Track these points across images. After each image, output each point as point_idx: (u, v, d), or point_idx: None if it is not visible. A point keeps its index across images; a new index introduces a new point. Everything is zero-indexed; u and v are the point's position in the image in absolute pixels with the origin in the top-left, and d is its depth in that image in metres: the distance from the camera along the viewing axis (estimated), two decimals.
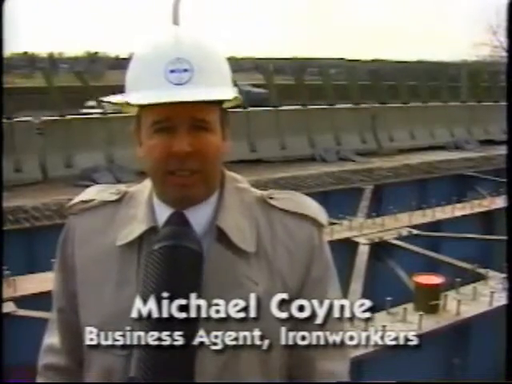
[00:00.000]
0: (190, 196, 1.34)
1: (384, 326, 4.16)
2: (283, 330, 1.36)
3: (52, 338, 1.54)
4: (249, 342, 1.32)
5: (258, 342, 1.33)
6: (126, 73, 1.36)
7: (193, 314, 1.27)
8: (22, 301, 4.63)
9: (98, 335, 1.35)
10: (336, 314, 1.44)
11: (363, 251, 6.02)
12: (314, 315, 1.39)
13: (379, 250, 6.28)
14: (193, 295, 1.27)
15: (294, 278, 1.38)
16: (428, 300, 4.51)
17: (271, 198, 1.44)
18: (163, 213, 1.37)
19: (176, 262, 1.27)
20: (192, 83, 1.28)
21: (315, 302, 1.39)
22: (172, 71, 1.28)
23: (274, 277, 1.36)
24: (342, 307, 1.52)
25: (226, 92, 1.34)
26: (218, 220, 1.36)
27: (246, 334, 1.32)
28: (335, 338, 1.43)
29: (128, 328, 1.29)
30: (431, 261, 6.20)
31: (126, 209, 1.43)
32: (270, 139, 12.23)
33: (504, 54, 32.71)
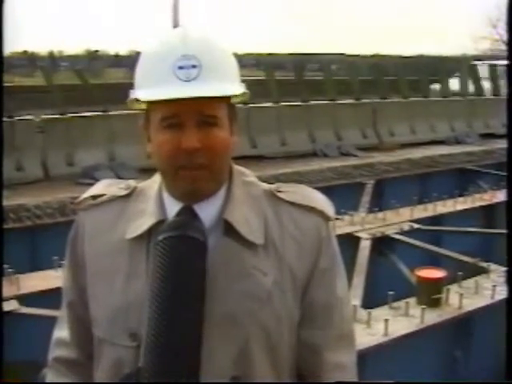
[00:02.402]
0: (199, 190, 1.36)
1: (386, 320, 4.21)
2: (291, 321, 1.38)
3: (62, 332, 1.56)
4: (258, 334, 1.34)
5: (266, 333, 1.35)
6: (135, 69, 1.38)
7: (197, 306, 1.28)
8: (25, 299, 4.64)
9: (107, 327, 1.38)
10: (343, 307, 1.46)
11: (365, 246, 6.03)
12: (321, 308, 1.41)
13: (381, 244, 6.28)
14: (197, 283, 1.29)
15: (302, 269, 1.40)
16: (430, 294, 4.51)
17: (279, 191, 1.46)
18: (172, 207, 1.39)
19: (179, 251, 1.29)
20: (200, 79, 1.29)
21: (322, 296, 1.41)
22: (180, 67, 1.29)
23: (282, 268, 1.38)
24: (349, 301, 1.55)
25: (234, 87, 1.36)
26: (225, 213, 1.38)
27: (255, 325, 1.33)
28: (342, 330, 1.45)
29: (137, 319, 1.30)
30: (433, 255, 6.20)
31: (135, 203, 1.46)
32: (271, 135, 12.23)
33: (503, 47, 32.72)
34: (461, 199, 8.11)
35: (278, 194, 1.45)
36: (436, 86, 17.17)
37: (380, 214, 7.16)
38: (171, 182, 1.38)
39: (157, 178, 1.46)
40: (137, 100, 1.34)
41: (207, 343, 1.29)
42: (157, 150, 1.35)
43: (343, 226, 6.56)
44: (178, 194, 1.38)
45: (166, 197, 1.42)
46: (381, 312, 4.40)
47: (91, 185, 1.58)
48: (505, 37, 33.83)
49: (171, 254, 1.29)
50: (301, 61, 16.73)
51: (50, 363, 1.58)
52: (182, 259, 1.29)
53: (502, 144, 12.17)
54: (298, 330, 1.41)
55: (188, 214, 1.36)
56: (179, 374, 1.25)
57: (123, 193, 1.48)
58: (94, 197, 1.50)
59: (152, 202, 1.43)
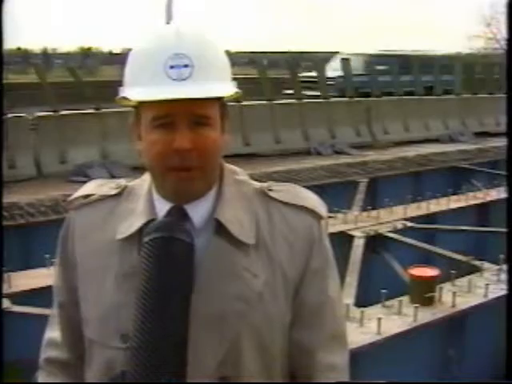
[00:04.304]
0: (189, 191, 1.34)
1: (379, 319, 4.21)
2: (283, 322, 1.37)
3: (53, 332, 1.55)
4: (249, 335, 1.33)
5: (257, 334, 1.34)
6: (125, 67, 1.36)
7: (182, 306, 1.27)
8: (17, 297, 4.62)
9: (98, 328, 1.36)
10: (335, 306, 1.45)
11: (358, 244, 6.03)
12: (313, 309, 1.40)
13: (374, 242, 6.29)
14: (182, 285, 1.28)
15: (294, 269, 1.39)
16: (423, 292, 4.51)
17: (270, 189, 1.45)
18: (162, 206, 1.38)
19: (166, 253, 1.29)
20: (192, 79, 1.28)
21: (314, 296, 1.40)
22: (172, 67, 1.27)
23: (273, 268, 1.37)
24: (341, 301, 1.54)
25: (226, 87, 1.35)
26: (216, 213, 1.36)
27: (246, 326, 1.32)
28: (334, 330, 1.45)
29: (128, 320, 1.29)
30: (426, 253, 6.21)
31: (125, 203, 1.44)
32: (265, 133, 12.21)
33: (497, 45, 32.81)
34: (454, 197, 8.12)
35: (270, 193, 1.44)
36: None
37: (373, 213, 7.16)
38: (161, 182, 1.37)
39: (147, 177, 1.44)
40: (126, 98, 1.32)
41: (194, 343, 1.28)
42: (147, 150, 1.33)
43: (337, 225, 6.56)
44: (168, 193, 1.37)
45: (156, 196, 1.40)
46: (374, 310, 4.40)
47: (84, 182, 1.57)
48: (499, 35, 33.96)
49: (156, 255, 1.28)
50: (295, 59, 16.73)
51: (41, 364, 1.57)
52: (168, 261, 1.28)
53: (496, 142, 12.23)
54: (290, 331, 1.39)
55: (177, 214, 1.35)
56: (163, 374, 1.24)
57: (113, 192, 1.47)
58: (85, 196, 1.49)
59: (142, 201, 1.42)
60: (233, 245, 1.35)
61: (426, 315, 4.38)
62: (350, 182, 9.45)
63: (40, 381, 1.56)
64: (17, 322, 4.29)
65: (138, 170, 1.43)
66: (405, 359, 4.24)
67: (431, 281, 4.61)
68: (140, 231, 1.36)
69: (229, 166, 1.47)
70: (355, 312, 4.27)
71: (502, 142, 8.58)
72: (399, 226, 6.71)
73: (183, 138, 1.28)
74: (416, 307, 4.31)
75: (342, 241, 6.10)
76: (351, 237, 6.25)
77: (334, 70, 16.58)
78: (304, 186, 1.52)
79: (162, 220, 1.35)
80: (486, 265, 5.38)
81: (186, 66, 1.28)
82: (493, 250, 5.49)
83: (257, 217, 1.40)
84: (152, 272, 1.27)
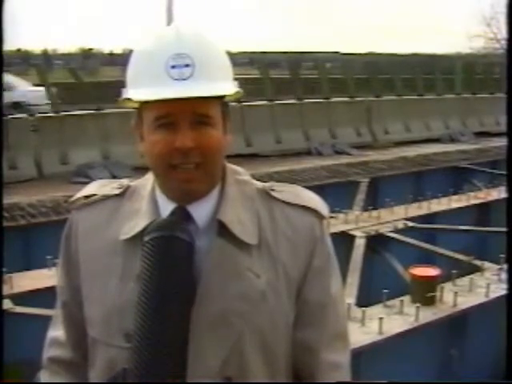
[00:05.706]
0: (192, 191, 1.34)
1: (381, 319, 4.21)
2: (286, 322, 1.38)
3: (57, 332, 1.55)
4: (251, 335, 1.33)
5: (260, 334, 1.34)
6: (127, 68, 1.37)
7: (181, 306, 1.28)
8: (19, 298, 4.62)
9: (102, 328, 1.37)
10: (337, 306, 1.46)
11: (359, 244, 6.03)
12: (315, 308, 1.41)
13: (375, 242, 6.29)
14: (182, 284, 1.28)
15: (296, 269, 1.39)
16: (424, 292, 4.51)
17: (272, 189, 1.45)
18: (166, 207, 1.38)
19: (166, 252, 1.29)
20: (193, 78, 1.28)
21: (317, 295, 1.40)
22: (173, 66, 1.28)
23: (276, 268, 1.37)
24: (343, 300, 1.54)
25: (228, 87, 1.35)
26: (219, 214, 1.36)
27: (249, 326, 1.33)
28: (337, 329, 1.45)
29: (131, 320, 1.29)
30: (427, 253, 6.21)
31: (128, 203, 1.44)
32: (266, 133, 12.21)
33: (498, 45, 32.80)
34: (455, 197, 8.12)
35: (272, 193, 1.44)
36: None
37: (374, 213, 7.16)
38: (164, 182, 1.37)
39: (149, 176, 1.44)
40: (129, 99, 1.32)
41: (197, 343, 1.28)
42: (150, 150, 1.33)
43: (338, 225, 6.56)
44: (172, 194, 1.37)
45: (160, 196, 1.40)
46: (375, 310, 4.40)
47: (85, 183, 1.56)
48: (499, 35, 33.95)
49: (157, 254, 1.29)
50: (295, 59, 16.75)
51: (44, 363, 1.57)
52: (168, 260, 1.29)
53: (497, 142, 12.24)
54: (293, 330, 1.40)
55: (180, 215, 1.35)
56: (163, 374, 1.24)
57: (116, 192, 1.47)
58: (87, 196, 1.49)
59: (145, 201, 1.41)
60: (235, 245, 1.35)
61: (427, 315, 4.38)
62: (350, 182, 9.45)
63: (43, 380, 1.56)
64: (18, 323, 4.29)
65: (139, 170, 1.43)
66: (406, 358, 4.25)
67: (432, 280, 4.62)
68: (143, 232, 1.36)
69: (231, 166, 1.47)
70: (357, 312, 4.27)
71: (502, 142, 8.58)
72: (400, 225, 6.71)
73: (185, 137, 1.28)
74: (417, 307, 4.31)
75: (343, 241, 6.10)
76: (352, 237, 6.25)
77: None
78: (305, 186, 1.52)
79: (162, 219, 1.35)
80: (487, 264, 5.38)
81: (187, 65, 1.28)
82: (493, 250, 5.49)
83: (259, 216, 1.40)
84: (152, 271, 1.28)
